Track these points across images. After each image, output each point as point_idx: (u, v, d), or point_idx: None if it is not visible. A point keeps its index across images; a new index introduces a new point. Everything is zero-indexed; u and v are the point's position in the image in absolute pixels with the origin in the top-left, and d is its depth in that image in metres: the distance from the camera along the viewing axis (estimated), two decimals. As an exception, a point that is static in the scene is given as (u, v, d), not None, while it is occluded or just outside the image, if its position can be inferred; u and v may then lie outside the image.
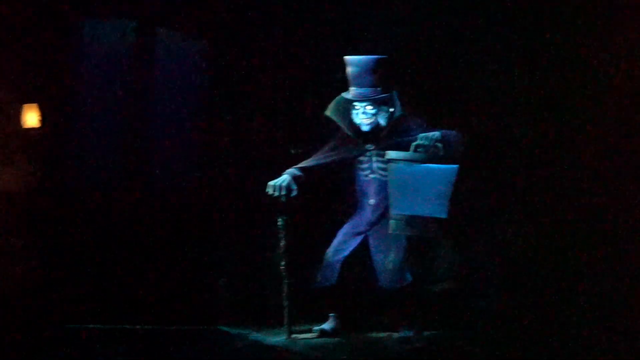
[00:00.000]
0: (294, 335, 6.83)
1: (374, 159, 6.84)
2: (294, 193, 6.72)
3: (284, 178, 6.74)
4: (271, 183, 6.74)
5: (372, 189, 6.86)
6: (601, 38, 6.53)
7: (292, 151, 7.28)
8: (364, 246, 6.83)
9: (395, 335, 6.80)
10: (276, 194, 6.71)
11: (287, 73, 7.48)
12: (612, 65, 6.46)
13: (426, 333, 6.79)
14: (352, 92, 6.78)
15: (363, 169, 6.89)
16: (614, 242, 6.38)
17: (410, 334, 6.73)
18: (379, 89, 6.74)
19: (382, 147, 6.74)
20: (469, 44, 7.14)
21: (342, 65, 6.80)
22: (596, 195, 6.44)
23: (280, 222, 6.78)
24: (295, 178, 6.75)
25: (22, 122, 7.29)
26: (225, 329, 7.21)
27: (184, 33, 7.68)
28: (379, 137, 6.80)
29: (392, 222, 6.57)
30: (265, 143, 7.44)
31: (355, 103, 6.79)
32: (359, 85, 6.74)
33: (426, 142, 6.51)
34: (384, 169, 6.75)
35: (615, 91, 6.43)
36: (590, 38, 6.57)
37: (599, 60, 6.53)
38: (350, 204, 6.97)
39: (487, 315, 6.91)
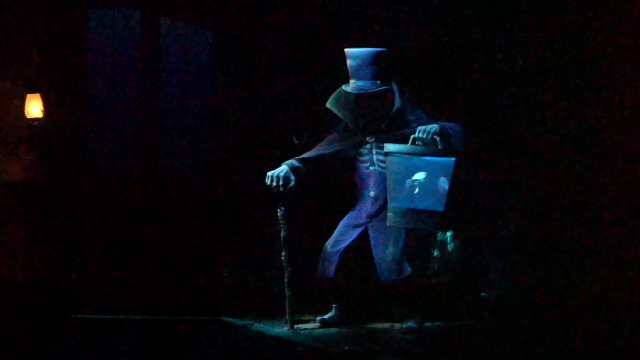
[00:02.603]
0: (296, 326, 6.87)
1: (374, 151, 6.83)
2: (292, 184, 6.72)
3: (282, 169, 6.74)
4: (269, 173, 6.74)
5: (372, 181, 6.86)
6: (606, 27, 6.47)
7: (296, 141, 7.29)
8: (363, 238, 6.84)
9: (398, 325, 6.82)
10: (274, 184, 6.72)
11: (291, 63, 7.48)
12: (614, 55, 6.39)
13: (429, 324, 6.80)
14: (351, 85, 6.76)
15: (363, 161, 6.89)
16: (614, 234, 6.34)
17: (413, 324, 6.73)
18: (378, 81, 6.72)
19: (382, 140, 6.73)
20: (469, 36, 7.10)
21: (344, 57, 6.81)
22: (597, 187, 6.40)
23: (279, 212, 6.80)
24: (293, 169, 6.75)
25: (26, 113, 7.30)
26: (228, 319, 7.25)
27: (188, 23, 7.68)
28: (379, 130, 6.80)
29: (390, 214, 6.56)
30: (268, 134, 7.43)
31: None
32: (358, 78, 6.73)
33: (424, 135, 6.49)
34: (384, 161, 6.73)
35: (618, 82, 6.38)
36: (594, 27, 6.52)
37: (603, 49, 6.47)
38: (350, 196, 6.99)
39: (488, 305, 6.91)
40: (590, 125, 6.45)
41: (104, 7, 7.62)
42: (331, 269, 6.82)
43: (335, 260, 6.80)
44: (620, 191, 6.32)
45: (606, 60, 6.45)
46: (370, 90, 6.71)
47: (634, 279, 6.15)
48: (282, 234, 6.81)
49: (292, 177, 6.72)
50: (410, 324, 6.74)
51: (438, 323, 6.88)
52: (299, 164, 6.78)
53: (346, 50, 6.78)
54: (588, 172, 6.42)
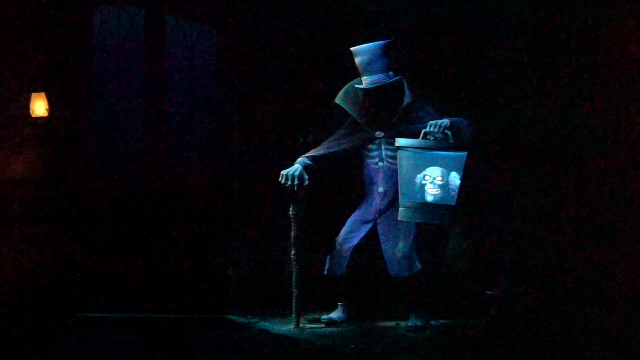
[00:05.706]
0: (302, 324, 6.86)
1: (383, 147, 6.83)
2: (306, 182, 6.70)
3: (296, 167, 6.72)
4: (284, 172, 6.72)
5: (380, 177, 6.85)
6: (613, 23, 6.49)
7: (301, 140, 7.29)
8: (372, 234, 6.83)
9: (403, 323, 6.82)
10: (289, 183, 6.69)
11: (296, 61, 7.48)
12: (624, 52, 6.42)
13: (434, 322, 6.80)
14: (365, 82, 6.72)
15: (372, 157, 6.89)
16: (622, 231, 6.36)
17: (419, 322, 6.73)
18: (390, 72, 6.72)
19: (391, 135, 6.73)
20: (479, 31, 7.13)
21: (350, 53, 6.79)
22: (606, 183, 6.42)
23: (292, 211, 6.78)
24: (306, 167, 6.74)
25: (31, 112, 7.30)
26: (234, 317, 7.25)
27: (193, 22, 7.69)
28: (389, 124, 6.80)
29: (401, 209, 6.56)
30: (275, 131, 7.43)
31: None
32: (371, 73, 6.69)
33: (435, 130, 6.50)
34: (392, 157, 6.74)
35: (627, 79, 6.40)
36: (603, 24, 6.54)
37: (612, 46, 6.49)
38: (359, 192, 6.99)
39: (494, 304, 6.92)
40: (595, 122, 6.48)
41: (109, 5, 7.62)
42: (342, 266, 6.80)
43: (347, 257, 6.79)
44: (625, 187, 6.34)
45: (610, 59, 6.48)
46: (386, 82, 6.70)
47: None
48: (293, 232, 6.78)
49: (306, 176, 6.70)
50: (417, 321, 6.74)
51: (443, 321, 6.87)
52: (311, 162, 6.76)
53: (353, 49, 6.75)
54: (599, 164, 6.44)
